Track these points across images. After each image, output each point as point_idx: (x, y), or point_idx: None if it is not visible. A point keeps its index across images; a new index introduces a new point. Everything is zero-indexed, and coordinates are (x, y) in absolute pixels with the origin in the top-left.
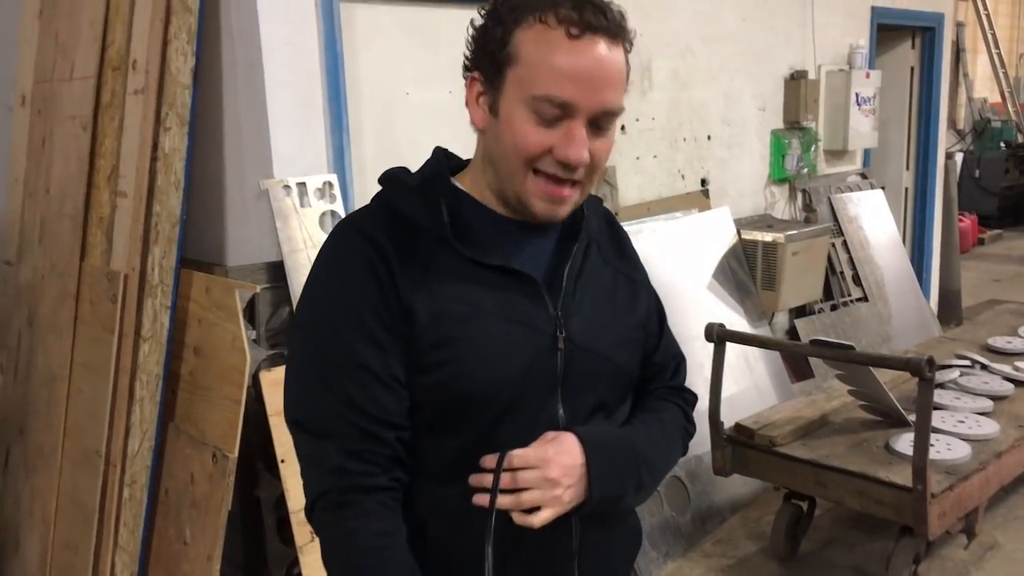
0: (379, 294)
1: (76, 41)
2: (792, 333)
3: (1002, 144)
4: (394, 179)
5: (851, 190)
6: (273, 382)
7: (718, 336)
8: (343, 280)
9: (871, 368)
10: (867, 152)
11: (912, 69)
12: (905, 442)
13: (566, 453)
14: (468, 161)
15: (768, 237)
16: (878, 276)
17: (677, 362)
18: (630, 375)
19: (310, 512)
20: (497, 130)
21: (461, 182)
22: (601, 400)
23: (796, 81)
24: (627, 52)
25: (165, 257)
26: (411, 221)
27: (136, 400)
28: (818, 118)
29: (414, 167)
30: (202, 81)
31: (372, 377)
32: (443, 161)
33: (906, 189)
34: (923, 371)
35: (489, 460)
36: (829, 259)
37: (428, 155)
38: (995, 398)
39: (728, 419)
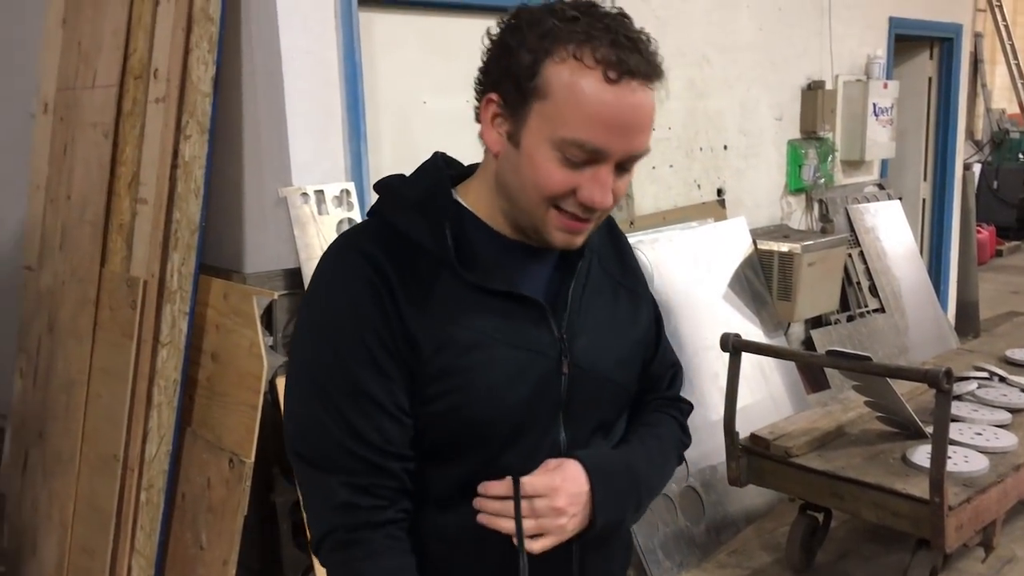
0: (382, 320)
1: (99, 49)
2: (808, 344)
3: (1020, 155)
4: (391, 192)
5: (868, 201)
6: None
7: (733, 346)
8: (344, 305)
9: (888, 379)
10: (884, 163)
11: (930, 80)
12: (922, 454)
13: (572, 481)
14: (470, 168)
15: (784, 247)
16: (895, 287)
17: (673, 372)
18: (629, 392)
19: (317, 548)
20: (516, 161)
21: (464, 197)
22: (601, 419)
23: (813, 91)
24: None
25: (184, 263)
26: (411, 241)
27: (154, 405)
28: (835, 128)
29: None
30: (222, 89)
31: (378, 408)
32: (444, 172)
33: (924, 200)
34: (941, 383)
35: (493, 486)
36: (846, 270)
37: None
38: (1013, 410)
39: (743, 429)
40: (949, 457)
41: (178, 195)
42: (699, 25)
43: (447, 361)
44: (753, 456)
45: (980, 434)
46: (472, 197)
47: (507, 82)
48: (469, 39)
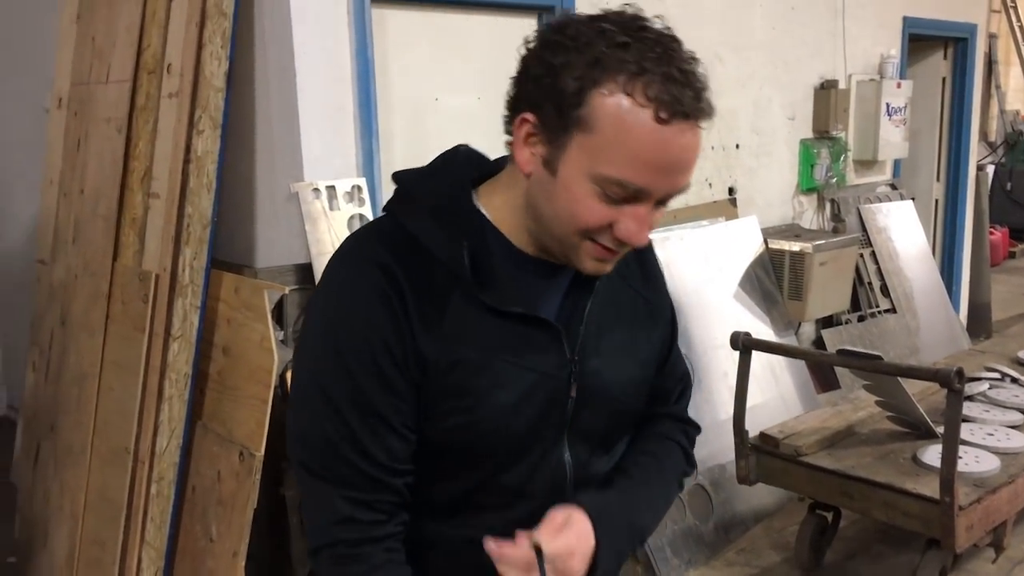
0: (395, 335)
1: (112, 45)
2: (819, 344)
3: None
4: (408, 192)
5: (880, 201)
6: None
7: (744, 345)
8: (356, 316)
9: (899, 379)
10: (897, 163)
11: (944, 80)
12: (933, 454)
13: (584, 539)
14: (495, 164)
15: (796, 247)
16: (907, 288)
17: (683, 386)
18: (637, 413)
19: (314, 555)
20: (551, 189)
21: (487, 204)
22: (606, 438)
23: (826, 90)
24: None
25: (196, 258)
26: (426, 249)
27: (165, 399)
28: (848, 128)
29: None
30: (235, 85)
31: (385, 425)
32: (465, 174)
33: (936, 201)
34: (952, 382)
35: (513, 554)
36: (857, 270)
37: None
38: None
39: (753, 428)
40: (960, 457)
41: (190, 190)
42: (712, 24)
43: (456, 381)
44: (763, 455)
45: (991, 435)
46: (495, 207)
47: (547, 105)
48: (482, 37)
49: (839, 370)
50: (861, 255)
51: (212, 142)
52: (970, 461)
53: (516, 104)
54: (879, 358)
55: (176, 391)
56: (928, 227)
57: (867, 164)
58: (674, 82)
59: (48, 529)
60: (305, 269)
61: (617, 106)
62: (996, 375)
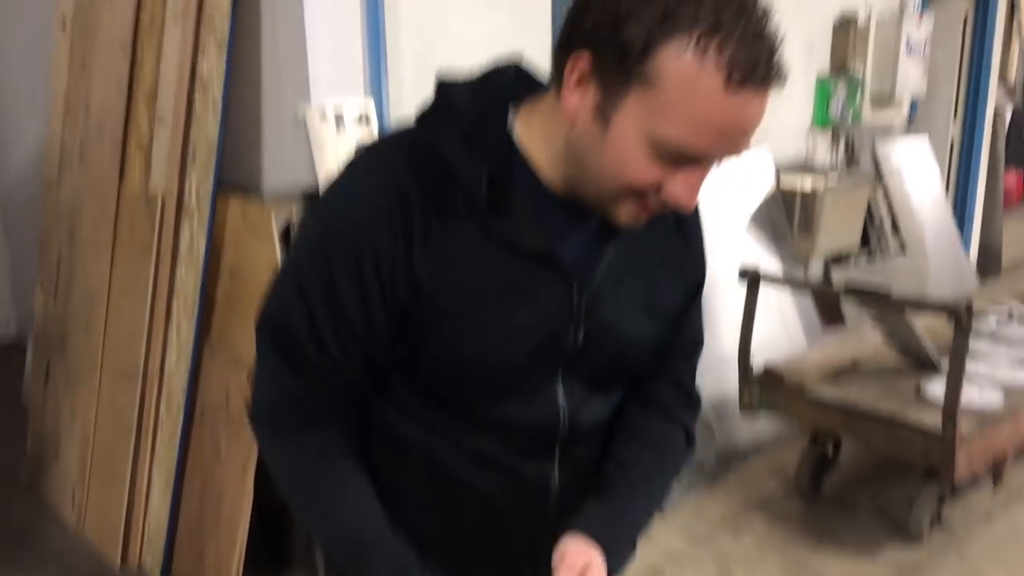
0: (388, 249)
1: None
2: (827, 282)
3: None
4: (442, 108)
5: (895, 139)
6: None
7: (752, 278)
8: (354, 221)
9: (907, 312)
10: (914, 102)
11: (965, 18)
12: (937, 387)
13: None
14: (539, 85)
15: (807, 183)
16: (918, 227)
17: (694, 349)
18: (640, 368)
19: (253, 421)
20: (600, 141)
21: (523, 130)
22: (605, 385)
23: (845, 25)
24: None
25: (202, 181)
26: (446, 167)
27: (173, 321)
28: (866, 64)
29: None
30: (241, 5)
31: (350, 332)
32: (506, 95)
33: (952, 140)
34: (960, 315)
35: None
36: (868, 209)
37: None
38: None
39: (758, 365)
40: (963, 391)
41: (196, 113)
42: None
43: (449, 308)
44: (766, 385)
45: (996, 370)
46: (532, 137)
47: (607, 50)
48: None
49: (846, 309)
50: (873, 193)
51: (218, 64)
52: (974, 395)
53: (570, 42)
54: (887, 291)
55: (184, 313)
56: (943, 167)
57: (884, 101)
58: (750, 43)
59: (60, 447)
60: (312, 193)
61: (686, 66)
62: (1004, 311)
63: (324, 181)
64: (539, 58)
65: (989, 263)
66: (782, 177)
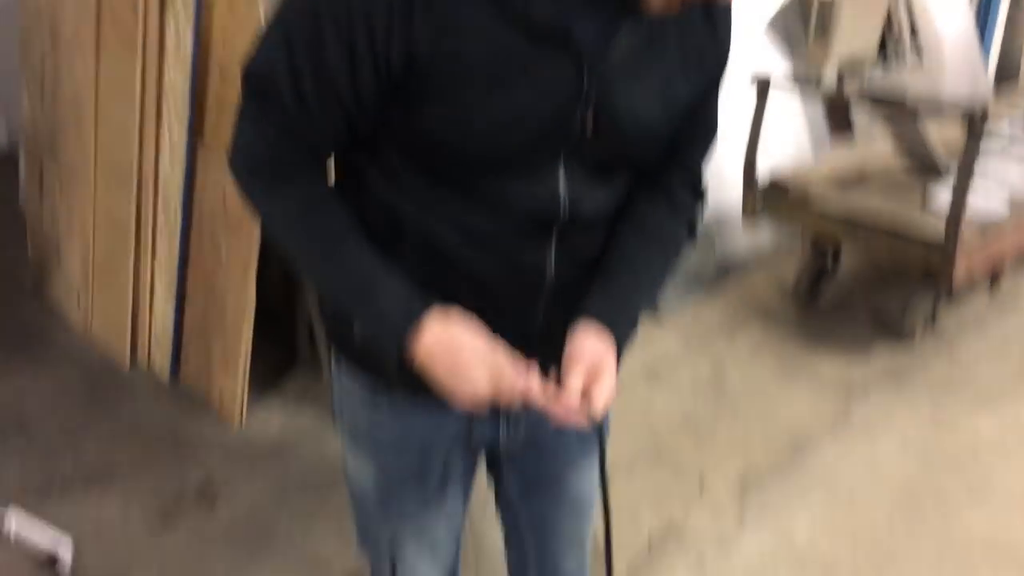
0: (384, 17)
1: None
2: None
3: None
4: None
5: None
6: None
7: (761, 85)
8: None
9: (920, 118)
10: None
11: None
12: (942, 194)
13: (613, 373)
14: None
15: None
16: (937, 33)
17: (706, 142)
18: (647, 159)
19: (232, 164)
20: None
21: None
22: (608, 172)
23: None
24: None
25: None
26: None
27: (164, 122)
28: None
29: None
30: None
31: (332, 93)
32: None
33: None
34: (975, 118)
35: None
36: (888, 16)
37: None
38: None
39: (764, 174)
40: (970, 199)
41: None
42: None
43: (448, 81)
44: (771, 193)
45: (1004, 176)
46: None
47: None
48: None
49: (856, 120)
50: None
51: None
52: (979, 202)
53: None
54: (901, 96)
55: (176, 114)
56: None
57: None
58: None
59: (60, 249)
60: None
61: None
62: (1018, 117)
63: None
64: None
65: (1009, 70)
66: None
